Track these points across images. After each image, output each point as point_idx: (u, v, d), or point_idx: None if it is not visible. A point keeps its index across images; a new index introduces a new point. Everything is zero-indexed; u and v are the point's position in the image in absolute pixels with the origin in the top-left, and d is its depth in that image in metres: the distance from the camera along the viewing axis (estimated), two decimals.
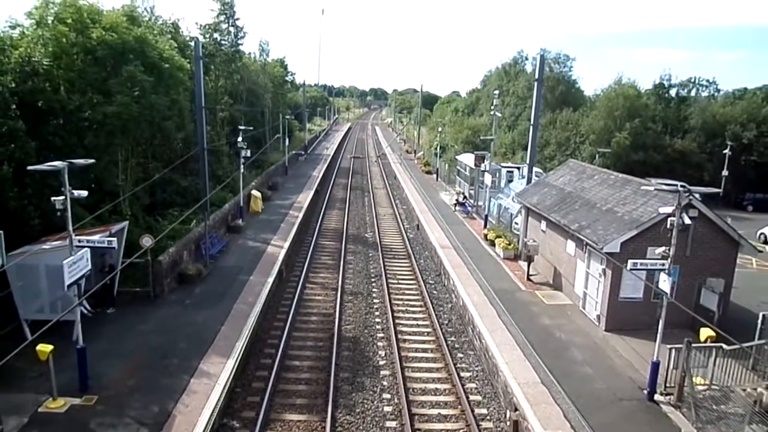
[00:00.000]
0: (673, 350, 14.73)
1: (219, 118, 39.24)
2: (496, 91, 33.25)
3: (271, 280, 22.09)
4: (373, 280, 24.84)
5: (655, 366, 14.63)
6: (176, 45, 29.35)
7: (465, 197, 37.57)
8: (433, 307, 21.63)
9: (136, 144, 24.19)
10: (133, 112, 21.75)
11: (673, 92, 53.70)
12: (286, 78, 69.92)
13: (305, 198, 39.27)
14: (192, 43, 29.30)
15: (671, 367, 14.75)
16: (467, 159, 40.04)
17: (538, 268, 23.85)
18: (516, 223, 29.38)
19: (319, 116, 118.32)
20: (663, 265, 14.16)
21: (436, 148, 59.33)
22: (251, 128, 33.88)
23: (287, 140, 51.95)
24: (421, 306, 22.01)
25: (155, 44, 24.76)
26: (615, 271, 18.07)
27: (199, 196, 26.60)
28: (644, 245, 17.56)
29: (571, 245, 21.03)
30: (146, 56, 23.31)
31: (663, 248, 14.26)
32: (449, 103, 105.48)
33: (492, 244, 27.83)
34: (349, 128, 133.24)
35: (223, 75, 42.67)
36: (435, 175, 52.34)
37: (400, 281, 24.74)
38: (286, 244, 26.99)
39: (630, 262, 14.41)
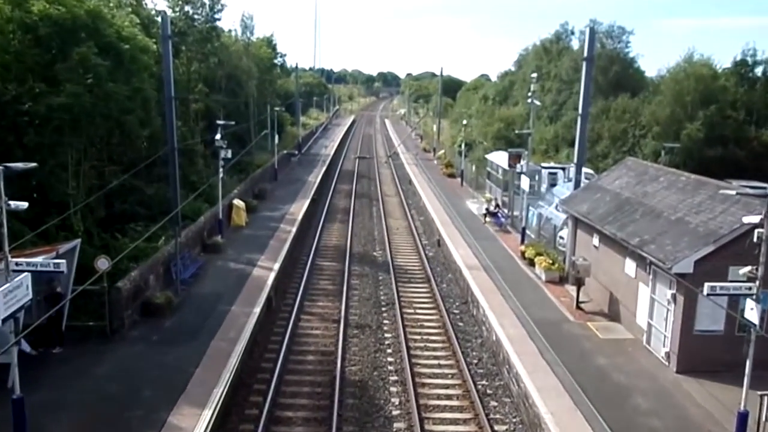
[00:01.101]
0: (765, 398, 14.46)
1: (192, 111, 39.59)
2: (535, 74, 33.18)
3: (257, 310, 22.03)
4: (383, 309, 24.72)
5: (743, 418, 14.31)
6: (139, 21, 29.68)
7: (497, 206, 37.52)
8: (459, 343, 21.43)
9: (89, 143, 24.37)
10: (85, 103, 21.90)
11: (759, 71, 52.51)
12: (275, 61, 70.60)
13: (299, 208, 39.35)
14: (158, 19, 29.62)
15: (763, 418, 14.47)
16: (499, 158, 40.02)
17: (590, 294, 23.62)
18: (561, 238, 29.19)
19: (316, 107, 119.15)
20: (749, 289, 13.86)
21: (460, 146, 59.38)
22: (232, 123, 34.01)
23: (277, 137, 52.30)
24: (443, 342, 21.83)
25: (113, 20, 25.01)
26: (688, 297, 17.78)
27: (168, 207, 26.67)
28: (725, 264, 17.24)
29: (630, 265, 20.80)
30: (102, 35, 23.53)
31: (749, 268, 13.96)
32: (476, 89, 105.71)
33: (531, 263, 27.65)
34: (353, 122, 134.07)
35: (196, 57, 43.08)
36: (459, 179, 52.41)
37: (418, 311, 24.60)
38: (276, 266, 26.98)
39: (707, 285, 14.09)
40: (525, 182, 31.56)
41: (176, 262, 24.00)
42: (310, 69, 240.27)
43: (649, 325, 19.74)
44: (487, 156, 46.62)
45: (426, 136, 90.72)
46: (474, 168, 48.68)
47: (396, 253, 32.61)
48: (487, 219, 36.75)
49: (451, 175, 55.53)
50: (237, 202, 34.97)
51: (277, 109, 57.00)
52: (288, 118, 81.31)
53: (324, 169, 57.52)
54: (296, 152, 63.39)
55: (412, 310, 24.55)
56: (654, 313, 19.57)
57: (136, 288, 20.98)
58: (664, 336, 18.87)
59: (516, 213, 36.51)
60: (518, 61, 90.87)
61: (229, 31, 58.19)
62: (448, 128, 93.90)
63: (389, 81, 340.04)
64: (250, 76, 54.90)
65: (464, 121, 54.52)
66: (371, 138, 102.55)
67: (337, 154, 73.43)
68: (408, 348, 20.88)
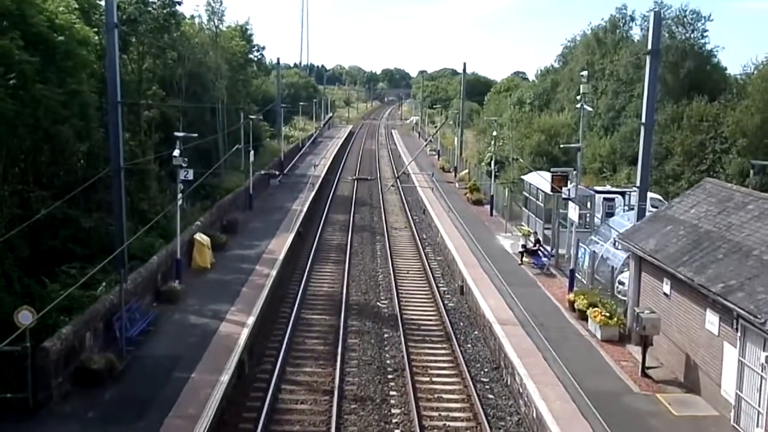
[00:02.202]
0: None
1: (144, 120, 39.95)
2: (584, 72, 33.36)
3: (225, 378, 21.95)
4: (390, 377, 24.59)
5: None
6: (77, 5, 30.14)
7: (537, 242, 37.56)
8: (489, 422, 21.26)
9: (10, 162, 24.57)
10: (6, 110, 22.12)
11: None
12: (251, 56, 71.55)
13: (281, 245, 39.45)
14: (102, 2, 30.09)
15: None
16: (540, 180, 40.15)
17: (660, 357, 23.47)
18: (621, 283, 29.09)
19: (303, 115, 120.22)
20: None
21: (488, 164, 59.59)
22: (195, 135, 34.30)
23: (252, 153, 52.68)
24: (469, 420, 21.66)
25: (43, 5, 25.42)
26: None
27: (110, 243, 26.80)
28: None
29: (712, 318, 20.70)
30: (28, 24, 23.91)
31: None
32: (509, 91, 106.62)
33: (582, 317, 27.55)
34: (351, 133, 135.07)
35: (150, 52, 43.62)
36: (488, 207, 52.55)
37: (435, 380, 24.47)
38: (250, 320, 26.95)
39: None
40: (573, 211, 31.59)
41: (121, 315, 24.00)
42: (296, 66, 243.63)
43: (738, 398, 19.57)
44: (524, 177, 46.83)
45: (445, 152, 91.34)
46: (507, 193, 48.79)
47: (406, 304, 32.56)
48: (525, 259, 36.72)
49: (478, 202, 55.72)
50: (200, 237, 35.09)
51: (253, 117, 57.57)
52: (267, 129, 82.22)
53: (313, 194, 57.79)
54: (277, 173, 63.79)
55: (427, 378, 24.41)
56: (744, 383, 19.40)
57: (68, 349, 20.95)
58: (758, 413, 18.71)
59: (562, 251, 36.43)
60: (563, 56, 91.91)
61: (192, 17, 59.21)
62: (473, 141, 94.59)
63: (397, 81, 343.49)
64: (219, 75, 55.61)
65: (494, 132, 54.78)
66: (374, 154, 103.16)
67: (330, 175, 73.81)
68: (422, 429, 20.72)
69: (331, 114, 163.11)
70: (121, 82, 26.00)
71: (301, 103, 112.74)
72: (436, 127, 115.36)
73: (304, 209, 50.89)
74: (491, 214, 51.27)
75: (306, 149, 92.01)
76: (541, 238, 38.30)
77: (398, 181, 64.48)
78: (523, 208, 45.87)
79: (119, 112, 25.72)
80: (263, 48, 76.29)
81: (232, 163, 56.26)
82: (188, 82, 49.59)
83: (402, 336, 27.92)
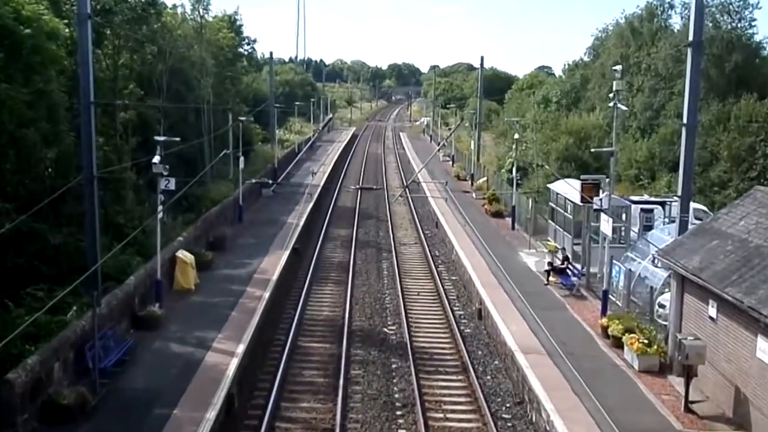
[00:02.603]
0: None
1: (120, 122, 40.04)
2: (618, 67, 33.32)
3: (211, 415, 21.92)
4: (398, 414, 24.53)
5: None
6: None
7: (565, 259, 37.50)
8: None
9: None
10: None
11: None
12: (240, 49, 71.77)
13: (274, 264, 39.48)
14: None
15: None
16: (568, 189, 40.12)
17: (705, 389, 23.39)
18: (661, 306, 29.00)
19: (299, 116, 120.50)
20: None
21: (509, 171, 59.54)
22: (177, 139, 34.28)
23: (242, 160, 52.79)
24: None
25: None
26: None
27: (81, 262, 26.80)
28: None
29: (765, 346, 20.61)
30: None
31: None
32: (533, 88, 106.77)
33: (617, 344, 27.47)
34: (354, 136, 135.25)
35: (127, 46, 43.80)
36: (509, 220, 52.51)
37: (450, 417, 24.39)
38: (240, 349, 26.93)
39: None
40: (606, 224, 31.55)
41: (93, 343, 24.00)
42: (291, 61, 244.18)
43: None
44: (550, 186, 46.79)
45: (460, 158, 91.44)
46: (531, 204, 48.78)
47: (417, 330, 32.51)
48: (551, 278, 36.65)
49: (498, 214, 55.72)
50: (183, 254, 35.12)
51: (242, 118, 57.76)
52: (258, 132, 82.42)
53: (311, 205, 57.87)
54: (270, 181, 63.80)
55: (440, 415, 24.35)
56: None
57: (35, 381, 20.95)
58: None
59: (594, 270, 36.35)
60: (593, 48, 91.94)
61: (174, 7, 59.55)
62: (492, 145, 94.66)
63: (405, 77, 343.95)
64: (204, 71, 55.81)
65: (515, 135, 54.78)
66: (380, 160, 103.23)
67: (331, 184, 73.88)
68: None
69: (331, 115, 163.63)
70: (94, 80, 26.09)
71: (298, 103, 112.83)
72: (449, 129, 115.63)
73: (301, 223, 50.94)
74: (513, 228, 51.22)
75: (303, 155, 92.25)
76: (569, 255, 38.23)
77: (407, 190, 64.42)
78: (549, 221, 45.83)
79: (92, 114, 25.80)
80: (254, 41, 75.84)
81: (220, 171, 56.38)
82: (170, 79, 49.73)
83: (412, 367, 27.85)
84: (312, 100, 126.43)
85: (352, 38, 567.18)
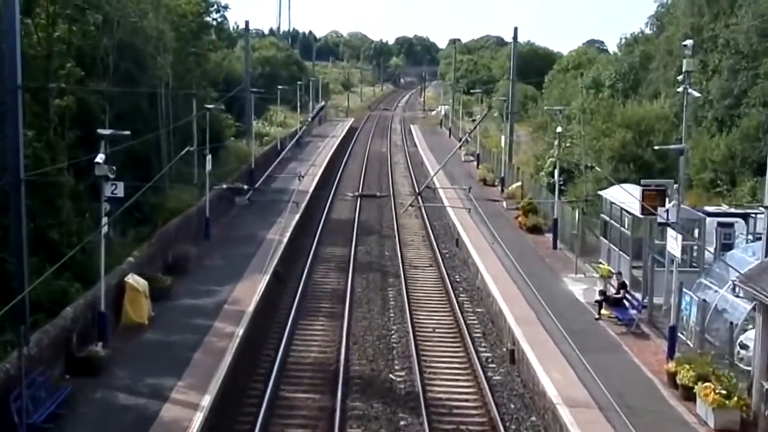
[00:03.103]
0: None
1: (55, 111, 40.04)
2: (688, 42, 33.30)
3: None
4: None
5: None
6: None
7: (622, 286, 37.39)
8: None
9: None
10: None
11: None
12: (208, 18, 71.91)
13: (250, 292, 39.45)
14: None
15: None
16: (625, 198, 39.98)
17: None
18: (744, 347, 28.84)
19: (283, 103, 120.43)
20: None
21: (550, 174, 59.36)
22: (127, 133, 34.33)
23: (210, 160, 52.72)
24: None
25: None
26: None
27: (5, 288, 26.72)
28: None
29: None
30: None
31: None
32: (580, 68, 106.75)
33: (688, 394, 27.38)
34: (352, 130, 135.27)
35: (64, 15, 43.85)
36: (551, 236, 52.46)
37: None
38: (206, 400, 26.91)
39: None
40: (675, 242, 31.47)
41: (20, 392, 23.96)
42: (273, 33, 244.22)
43: None
44: (602, 193, 46.66)
45: (487, 157, 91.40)
46: (578, 216, 48.65)
47: (431, 377, 32.41)
48: (604, 311, 36.52)
49: (535, 229, 55.62)
50: (134, 280, 35.08)
51: (211, 106, 57.56)
52: (231, 124, 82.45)
53: (297, 217, 57.87)
54: (246, 187, 63.82)
55: None
56: None
57: None
58: None
59: (658, 300, 36.21)
60: (657, 18, 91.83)
61: None
62: (528, 141, 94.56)
63: (417, 54, 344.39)
64: (162, 46, 55.74)
65: (558, 128, 54.73)
66: (385, 160, 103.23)
67: (323, 190, 73.85)
68: None
69: (323, 102, 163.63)
70: (22, 58, 26.14)
71: (281, 87, 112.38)
72: (473, 121, 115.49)
73: (285, 240, 50.91)
74: (555, 247, 51.16)
75: (287, 153, 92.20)
76: (627, 282, 38.11)
77: (420, 199, 64.40)
78: (601, 238, 45.68)
79: (19, 101, 25.84)
80: (226, 7, 75.35)
81: (181, 174, 56.32)
82: (118, 57, 49.62)
83: (426, 425, 27.77)
84: (299, 83, 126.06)
85: (350, 3, 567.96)
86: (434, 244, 55.98)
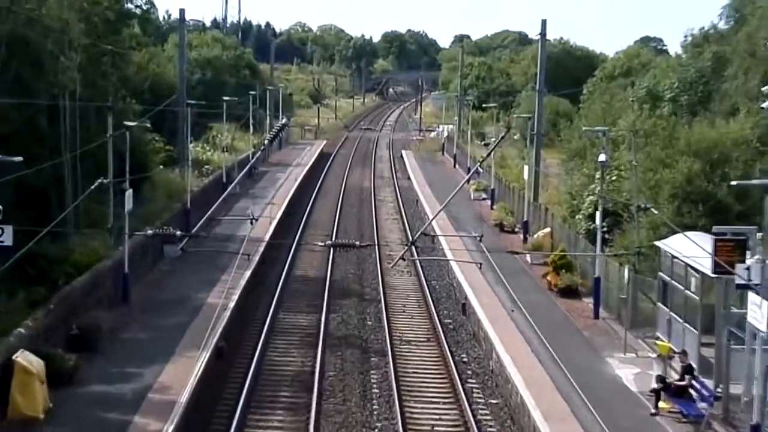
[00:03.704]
0: None
1: None
2: None
3: None
4: None
5: None
6: None
7: (688, 371, 37.35)
8: None
9: None
10: None
11: None
12: (129, 5, 72.01)
13: (184, 375, 39.39)
14: None
15: None
16: (692, 250, 39.99)
17: None
18: None
19: (231, 120, 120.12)
20: None
21: (590, 217, 59.30)
22: (18, 159, 34.18)
23: (131, 195, 52.50)
24: None
25: None
26: None
27: None
28: None
29: None
30: None
31: None
32: (631, 75, 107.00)
33: None
34: (324, 156, 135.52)
35: None
36: (591, 301, 52.42)
37: None
38: None
39: None
40: (759, 311, 31.44)
41: None
42: (217, 26, 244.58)
43: None
44: (659, 244, 46.66)
45: (504, 193, 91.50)
46: (627, 274, 48.60)
47: None
48: (663, 404, 36.55)
49: (569, 292, 55.73)
50: (25, 359, 34.90)
51: (132, 124, 57.52)
52: (160, 148, 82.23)
53: (248, 274, 57.74)
54: (179, 233, 63.69)
55: None
56: None
57: None
58: None
59: (736, 388, 36.13)
60: (734, 7, 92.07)
61: None
62: (561, 173, 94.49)
63: (412, 55, 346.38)
64: (67, 42, 55.72)
65: (601, 156, 54.75)
66: (367, 198, 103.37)
67: (282, 238, 73.71)
68: None
69: (285, 120, 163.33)
70: None
71: (228, 99, 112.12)
72: (487, 145, 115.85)
73: (231, 305, 50.73)
74: (596, 316, 51.23)
75: (236, 188, 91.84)
76: (694, 364, 38.12)
77: (414, 250, 64.38)
78: (659, 305, 45.59)
79: None
80: None
81: (91, 215, 56.04)
82: (6, 56, 49.75)
83: None
84: (252, 93, 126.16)
85: None
86: (433, 311, 55.91)
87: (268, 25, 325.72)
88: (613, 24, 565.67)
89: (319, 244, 72.07)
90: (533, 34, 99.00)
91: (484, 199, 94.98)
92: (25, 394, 34.27)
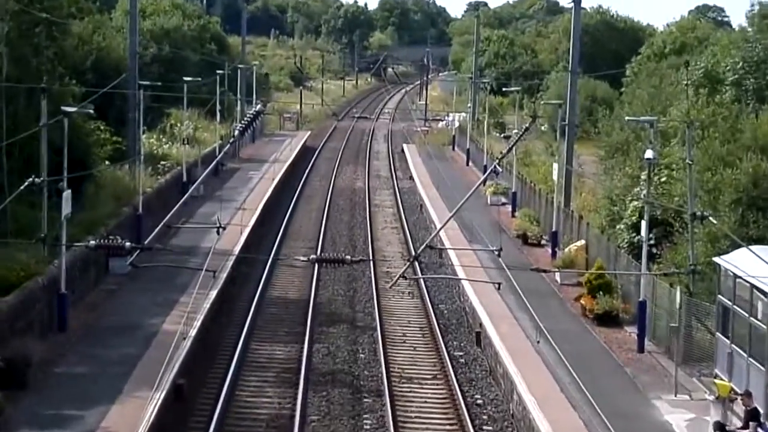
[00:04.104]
0: None
1: None
2: None
3: None
4: None
5: None
6: None
7: (753, 415, 37.28)
8: None
9: None
10: None
11: None
12: None
13: (132, 420, 39.21)
14: None
15: None
16: (757, 267, 39.94)
17: None
18: None
19: (194, 106, 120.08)
20: None
21: (633, 227, 59.27)
22: None
23: (69, 196, 52.45)
24: None
25: None
26: None
27: None
28: None
29: None
30: None
31: None
32: (685, 53, 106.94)
33: None
34: (307, 153, 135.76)
35: None
36: (634, 330, 52.39)
37: None
38: None
39: None
40: None
41: None
42: None
43: None
44: (719, 261, 46.60)
45: (528, 197, 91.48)
46: (679, 297, 48.58)
47: None
48: None
49: (608, 318, 55.82)
50: None
51: (72, 110, 57.41)
52: (106, 140, 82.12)
53: (213, 295, 57.62)
54: (127, 244, 63.54)
55: None
56: None
57: None
58: None
59: None
60: None
61: None
62: (598, 172, 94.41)
63: (417, 28, 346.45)
64: None
65: (648, 153, 54.68)
66: (359, 202, 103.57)
67: (256, 250, 73.74)
68: None
69: (260, 105, 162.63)
70: None
71: (189, 80, 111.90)
72: (508, 138, 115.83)
73: (192, 333, 50.61)
74: (641, 349, 51.20)
75: (199, 189, 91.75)
76: (761, 408, 38.06)
77: (417, 266, 64.32)
78: (719, 335, 45.55)
79: None
80: None
81: (21, 221, 56.02)
82: None
83: None
84: (219, 72, 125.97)
85: None
86: (440, 341, 55.91)
87: None
88: None
89: (301, 258, 71.82)
90: (565, 1, 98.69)
91: (503, 204, 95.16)
92: None
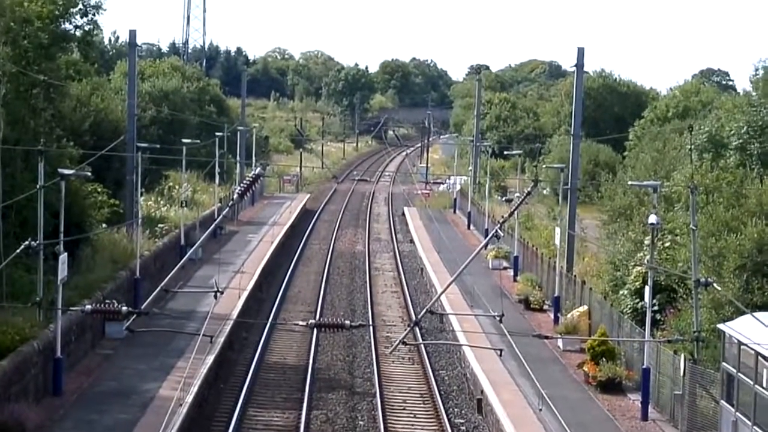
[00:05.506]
0: None
1: None
2: None
3: None
4: None
5: None
6: None
7: None
8: None
9: None
10: None
11: None
12: (68, 25, 72.06)
13: None
14: None
15: None
16: (763, 334, 39.81)
17: None
18: None
19: (193, 168, 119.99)
20: None
21: (637, 293, 59.13)
22: None
23: (66, 260, 52.36)
24: None
25: None
26: None
27: None
28: None
29: None
30: None
31: None
32: (689, 117, 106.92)
33: None
34: (307, 216, 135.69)
35: None
36: (638, 398, 52.26)
37: None
38: None
39: None
40: None
41: None
42: (176, 51, 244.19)
43: None
44: (723, 328, 46.50)
45: (530, 262, 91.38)
46: (683, 365, 48.36)
47: None
48: None
49: (611, 386, 55.77)
50: None
51: (70, 172, 57.32)
52: (104, 202, 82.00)
53: (210, 360, 57.45)
54: (124, 308, 63.34)
55: None
56: None
57: None
58: None
59: None
60: None
61: None
62: (602, 237, 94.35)
63: (418, 90, 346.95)
64: None
65: (651, 218, 54.64)
66: (358, 266, 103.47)
67: (254, 315, 73.51)
68: None
69: (259, 168, 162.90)
70: None
71: (188, 142, 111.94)
72: (510, 201, 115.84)
73: (189, 399, 50.42)
74: (644, 417, 51.08)
75: (197, 252, 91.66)
76: None
77: (417, 331, 64.15)
78: (724, 404, 45.42)
79: None
80: (97, 7, 74.14)
81: (16, 285, 55.88)
82: None
83: None
84: (218, 134, 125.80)
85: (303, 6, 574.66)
86: (441, 408, 55.73)
87: (239, 51, 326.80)
88: (666, 53, 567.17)
89: (300, 323, 71.53)
90: (567, 64, 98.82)
91: (505, 268, 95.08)
92: None
